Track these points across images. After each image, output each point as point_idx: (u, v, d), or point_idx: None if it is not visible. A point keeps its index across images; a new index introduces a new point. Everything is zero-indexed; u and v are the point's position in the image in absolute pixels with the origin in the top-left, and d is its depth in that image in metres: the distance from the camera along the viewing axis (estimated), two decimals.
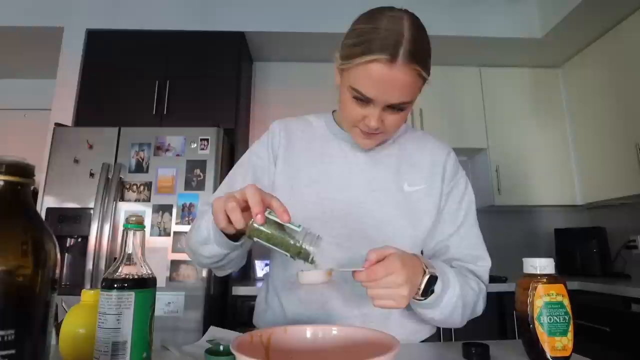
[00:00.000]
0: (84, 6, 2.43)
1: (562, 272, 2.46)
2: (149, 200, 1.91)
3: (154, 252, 1.83)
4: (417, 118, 2.64)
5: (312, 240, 0.55)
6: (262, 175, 0.84)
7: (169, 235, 1.87)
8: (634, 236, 2.41)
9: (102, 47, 2.38)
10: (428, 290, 0.64)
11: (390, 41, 0.63)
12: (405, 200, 0.80)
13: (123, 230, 0.56)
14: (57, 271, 0.40)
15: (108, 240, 1.84)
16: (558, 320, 0.61)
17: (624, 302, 1.79)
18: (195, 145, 1.98)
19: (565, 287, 0.63)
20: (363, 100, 0.68)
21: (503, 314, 2.07)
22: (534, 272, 0.64)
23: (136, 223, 0.55)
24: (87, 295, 0.61)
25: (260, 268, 2.46)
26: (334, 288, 0.76)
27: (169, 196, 1.91)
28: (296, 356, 0.52)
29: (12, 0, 2.41)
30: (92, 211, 1.87)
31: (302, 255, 0.55)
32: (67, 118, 2.22)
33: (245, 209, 0.56)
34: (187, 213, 1.89)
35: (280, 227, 0.56)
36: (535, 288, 0.63)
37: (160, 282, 1.77)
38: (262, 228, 0.55)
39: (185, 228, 1.88)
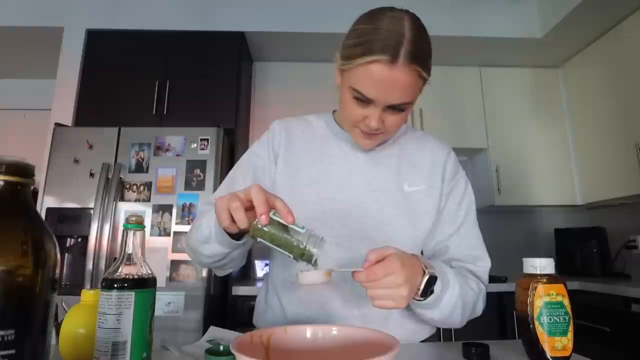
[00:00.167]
0: (84, 6, 2.43)
1: (562, 272, 2.46)
2: (149, 200, 1.91)
3: (154, 252, 1.83)
4: (417, 118, 2.64)
5: (316, 242, 0.55)
6: (262, 175, 0.84)
7: (169, 235, 1.87)
8: (634, 236, 2.41)
9: (102, 47, 2.38)
10: (427, 291, 0.64)
11: (391, 42, 0.63)
12: (406, 201, 0.80)
13: (123, 230, 0.56)
14: (57, 271, 0.40)
15: (108, 240, 1.84)
16: (558, 320, 0.61)
17: (624, 302, 1.79)
18: (195, 145, 1.98)
19: (565, 287, 0.63)
20: (364, 100, 0.68)
21: (503, 314, 2.07)
22: (534, 272, 0.64)
23: (136, 223, 0.55)
24: (87, 295, 0.61)
25: (260, 268, 2.46)
26: (334, 288, 0.76)
27: (169, 196, 1.91)
28: (296, 356, 0.52)
29: (12, 0, 2.41)
30: (92, 211, 1.87)
31: (305, 257, 0.55)
32: (67, 118, 2.22)
33: (249, 208, 0.56)
34: (187, 213, 1.89)
35: (284, 228, 0.55)
36: (535, 288, 0.63)
37: (160, 282, 1.77)
38: (266, 229, 0.55)
39: (185, 228, 1.88)
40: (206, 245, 0.69)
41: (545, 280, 0.63)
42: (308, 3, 2.51)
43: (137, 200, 1.92)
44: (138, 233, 0.55)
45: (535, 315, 0.62)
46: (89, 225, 1.84)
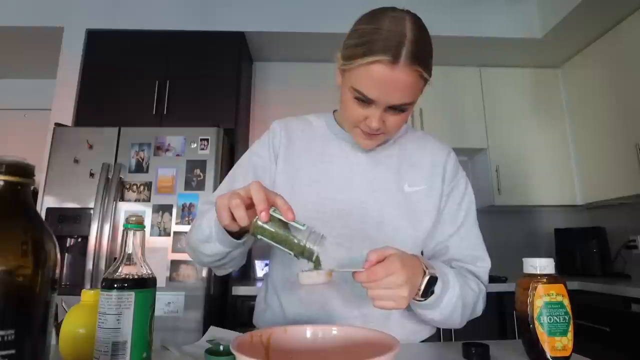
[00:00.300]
0: (84, 6, 2.43)
1: (562, 272, 2.46)
2: (149, 200, 1.91)
3: (154, 252, 1.83)
4: (417, 118, 2.64)
5: (316, 239, 0.55)
6: (262, 175, 0.84)
7: (169, 235, 1.87)
8: (634, 236, 2.41)
9: (102, 47, 2.38)
10: (428, 291, 0.64)
11: (393, 42, 0.63)
12: (406, 201, 0.80)
13: (123, 230, 0.56)
14: (57, 271, 0.40)
15: (108, 240, 1.84)
16: (558, 320, 0.61)
17: (624, 302, 1.79)
18: (195, 145, 1.98)
19: (565, 287, 0.63)
20: (364, 101, 0.68)
21: (503, 314, 2.07)
22: (534, 272, 0.64)
23: (136, 223, 0.55)
24: (87, 295, 0.61)
25: (260, 268, 2.46)
26: (334, 288, 0.76)
27: (169, 196, 1.91)
28: (296, 356, 0.52)
29: (12, 0, 2.41)
30: (92, 211, 1.87)
31: (305, 254, 0.55)
32: (67, 118, 2.22)
33: (250, 206, 0.56)
34: (187, 213, 1.89)
35: (285, 225, 0.55)
36: (535, 288, 0.63)
37: (160, 282, 1.77)
38: (266, 226, 0.55)
39: (185, 228, 1.88)
40: (207, 245, 0.69)
41: (545, 280, 0.63)
42: (308, 3, 2.51)
43: (137, 200, 1.92)
44: (138, 233, 0.55)
45: (535, 315, 0.62)
46: (89, 225, 1.84)
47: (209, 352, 0.59)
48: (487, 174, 2.66)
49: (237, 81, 2.35)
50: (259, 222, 0.55)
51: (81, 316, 0.59)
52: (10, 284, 0.35)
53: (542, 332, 0.61)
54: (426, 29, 0.68)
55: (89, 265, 1.81)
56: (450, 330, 1.96)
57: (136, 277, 0.53)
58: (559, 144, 2.71)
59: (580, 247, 2.48)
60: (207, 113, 2.25)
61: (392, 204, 0.79)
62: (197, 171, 1.94)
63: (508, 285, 2.09)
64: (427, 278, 0.63)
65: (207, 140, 1.99)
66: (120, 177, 1.92)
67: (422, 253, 0.84)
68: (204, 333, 0.87)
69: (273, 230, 0.55)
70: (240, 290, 1.98)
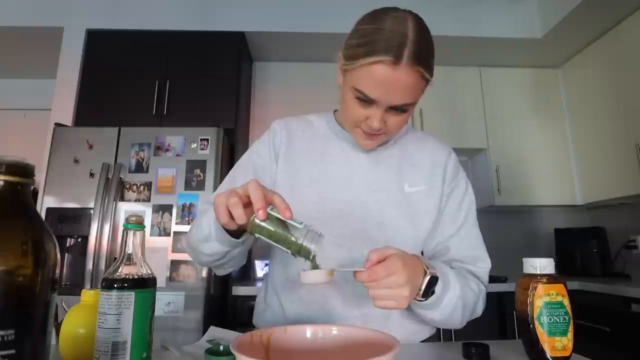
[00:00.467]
0: (84, 6, 2.43)
1: (562, 272, 2.46)
2: (149, 200, 1.91)
3: (154, 252, 1.83)
4: (417, 118, 2.64)
5: (314, 237, 0.55)
6: (263, 174, 0.84)
7: (169, 235, 1.87)
8: (634, 236, 2.41)
9: (102, 47, 2.38)
10: (429, 291, 0.64)
11: (394, 42, 0.63)
12: (406, 201, 0.80)
13: (123, 230, 0.56)
14: (57, 271, 0.40)
15: (108, 240, 1.84)
16: (558, 320, 0.61)
17: (624, 302, 1.79)
18: (195, 145, 1.98)
19: (565, 287, 0.63)
20: (366, 101, 0.68)
21: (503, 314, 2.07)
22: (534, 272, 0.64)
23: (136, 223, 0.55)
24: (87, 295, 0.61)
25: (260, 268, 2.46)
26: (334, 288, 0.76)
27: (169, 196, 1.91)
28: (296, 356, 0.52)
29: (12, 0, 2.41)
30: (92, 211, 1.87)
31: (302, 252, 0.55)
32: (67, 118, 2.22)
33: (247, 204, 0.56)
34: (187, 213, 1.89)
35: (282, 223, 0.55)
36: (535, 288, 0.63)
37: (160, 282, 1.77)
38: (263, 224, 0.55)
39: (185, 228, 1.88)
40: (206, 244, 0.69)
41: (545, 280, 0.63)
42: (308, 3, 2.51)
43: (137, 200, 1.92)
44: (138, 233, 0.55)
45: (535, 315, 0.62)
46: (89, 225, 1.84)
47: (209, 352, 0.59)
48: (487, 174, 2.66)
49: (237, 81, 2.35)
50: (257, 221, 0.55)
51: (81, 316, 0.59)
52: (10, 284, 0.35)
53: (542, 332, 0.61)
54: (428, 30, 0.68)
55: (89, 265, 1.81)
56: (450, 330, 1.96)
57: (136, 277, 0.53)
58: (559, 144, 2.71)
59: (580, 247, 2.48)
60: (207, 113, 2.25)
61: (393, 204, 0.79)
62: (197, 171, 1.94)
63: (508, 285, 2.09)
64: (427, 278, 0.63)
65: (207, 140, 1.99)
66: (120, 177, 1.93)
67: (422, 253, 0.84)
68: (204, 333, 0.87)
69: (271, 228, 0.55)
70: (240, 290, 1.98)
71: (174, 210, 1.90)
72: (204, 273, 1.85)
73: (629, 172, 2.20)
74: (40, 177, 1.94)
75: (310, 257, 0.55)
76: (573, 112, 2.70)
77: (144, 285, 0.53)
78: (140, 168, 1.95)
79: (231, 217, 0.57)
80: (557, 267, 0.66)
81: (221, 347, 0.59)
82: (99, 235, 1.84)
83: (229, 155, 2.25)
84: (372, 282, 0.57)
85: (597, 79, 2.47)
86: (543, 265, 0.64)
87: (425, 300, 0.65)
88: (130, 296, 0.51)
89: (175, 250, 1.86)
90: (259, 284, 2.10)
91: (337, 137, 0.85)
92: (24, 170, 0.39)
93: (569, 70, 2.75)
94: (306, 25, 2.48)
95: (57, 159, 1.97)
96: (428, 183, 0.82)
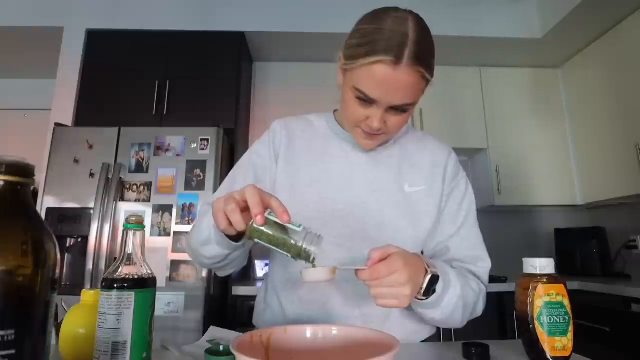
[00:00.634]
0: (84, 6, 2.43)
1: (562, 272, 2.46)
2: (149, 200, 1.91)
3: (154, 252, 1.83)
4: (417, 118, 2.64)
5: (313, 240, 0.55)
6: (263, 175, 0.84)
7: (169, 235, 1.87)
8: (634, 236, 2.41)
9: (102, 47, 2.38)
10: (430, 290, 0.64)
11: (395, 42, 0.63)
12: (406, 201, 0.80)
13: (123, 230, 0.56)
14: (57, 271, 0.40)
15: (108, 240, 1.84)
16: (558, 320, 0.61)
17: (624, 302, 1.79)
18: (195, 145, 1.98)
19: (565, 287, 0.63)
20: (366, 100, 0.68)
21: (503, 314, 2.07)
22: (534, 272, 0.64)
23: (136, 223, 0.55)
24: (87, 295, 0.61)
25: (260, 268, 2.46)
26: (335, 288, 0.76)
27: (169, 196, 1.91)
28: (296, 356, 0.52)
29: (12, 0, 2.41)
30: (92, 211, 1.87)
31: (302, 255, 0.55)
32: (67, 118, 2.22)
33: (245, 209, 0.56)
34: (187, 213, 1.89)
35: (281, 227, 0.55)
36: (535, 288, 0.63)
37: (160, 282, 1.77)
38: (262, 229, 0.55)
39: (185, 228, 1.88)
40: (206, 247, 0.69)
41: (545, 280, 0.63)
42: (308, 3, 2.51)
43: (137, 200, 1.92)
44: (138, 233, 0.55)
45: (535, 315, 0.62)
46: (89, 225, 1.84)
47: (209, 352, 0.59)
48: (487, 174, 2.66)
49: (237, 81, 2.35)
50: (255, 226, 0.55)
51: (81, 316, 0.59)
52: (10, 284, 0.35)
53: (542, 332, 0.61)
54: (429, 30, 0.68)
55: (89, 265, 1.81)
56: (450, 330, 1.96)
57: (136, 277, 0.53)
58: (559, 144, 2.71)
59: (580, 247, 2.48)
60: (207, 113, 2.25)
61: (393, 204, 0.79)
62: (197, 171, 1.94)
63: (508, 285, 2.09)
64: (429, 277, 0.63)
65: (207, 140, 1.99)
66: (120, 177, 1.92)
67: (422, 253, 0.84)
68: (204, 333, 0.87)
69: (269, 233, 0.55)
70: (240, 290, 1.98)
71: (174, 210, 1.90)
72: (204, 273, 1.85)
73: (629, 172, 2.20)
74: (40, 177, 1.94)
75: (310, 259, 0.55)
76: (573, 112, 2.70)
77: (144, 285, 0.53)
78: (140, 168, 1.95)
79: (230, 223, 0.57)
80: (557, 267, 0.66)
81: (221, 347, 0.59)
82: (99, 235, 1.84)
83: (229, 155, 2.25)
84: (374, 280, 0.57)
85: (597, 79, 2.47)
86: (543, 265, 0.64)
87: (427, 299, 0.65)
88: (130, 296, 0.51)
89: (175, 250, 1.86)
90: (259, 284, 2.10)
91: (337, 137, 0.85)
92: (24, 170, 0.39)
93: (569, 70, 2.75)
94: (306, 25, 2.48)
95: (57, 159, 1.97)
96: (428, 183, 0.82)
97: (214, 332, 0.76)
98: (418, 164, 0.84)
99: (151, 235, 1.86)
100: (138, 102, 2.26)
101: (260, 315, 0.86)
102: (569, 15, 2.26)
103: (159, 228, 1.88)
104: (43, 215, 1.87)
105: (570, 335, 0.61)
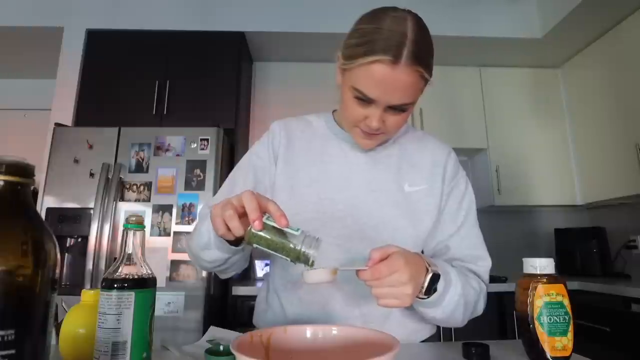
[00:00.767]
0: (84, 6, 2.43)
1: (562, 272, 2.46)
2: (149, 200, 1.91)
3: (154, 252, 1.83)
4: (417, 118, 2.64)
5: (312, 243, 0.55)
6: (262, 176, 0.84)
7: (169, 235, 1.87)
8: (634, 236, 2.41)
9: (102, 47, 2.38)
10: (431, 289, 0.64)
11: (393, 42, 0.63)
12: (406, 201, 0.80)
13: (123, 230, 0.56)
14: (57, 271, 0.40)
15: (108, 240, 1.84)
16: (558, 320, 0.61)
17: (624, 302, 1.79)
18: (195, 145, 1.98)
19: (565, 287, 0.63)
20: (365, 100, 0.68)
21: (503, 314, 2.07)
22: (534, 272, 0.64)
23: (136, 223, 0.55)
24: (87, 295, 0.61)
25: (260, 268, 2.46)
26: (335, 288, 0.76)
27: (169, 196, 1.91)
28: (296, 356, 0.52)
29: (12, 0, 2.41)
30: (92, 211, 1.87)
31: (301, 259, 0.55)
32: (67, 118, 2.22)
33: (243, 215, 0.56)
34: (187, 213, 1.89)
35: (279, 231, 0.55)
36: (535, 288, 0.63)
37: (160, 282, 1.77)
38: (260, 234, 0.55)
39: (185, 228, 1.88)
40: (206, 251, 0.70)
41: (545, 280, 0.63)
42: (308, 3, 2.51)
43: (137, 200, 1.92)
44: (138, 233, 0.55)
45: (535, 315, 0.62)
46: (89, 225, 1.84)
47: (209, 352, 0.59)
48: (487, 174, 2.66)
49: (237, 81, 2.35)
50: (253, 231, 0.55)
51: (81, 316, 0.59)
52: (10, 284, 0.35)
53: (542, 332, 0.61)
54: (427, 29, 0.68)
55: (89, 265, 1.81)
56: (451, 330, 1.96)
57: (136, 277, 0.53)
58: (559, 144, 2.71)
59: (580, 247, 2.48)
60: (207, 113, 2.25)
61: (392, 203, 0.79)
62: (197, 171, 1.94)
63: (508, 285, 2.09)
64: (430, 275, 0.63)
65: (207, 140, 1.99)
66: (120, 177, 1.92)
67: (422, 252, 0.84)
68: (204, 333, 0.87)
69: (268, 237, 0.55)
70: (240, 290, 1.98)
71: (174, 210, 1.90)
72: (204, 273, 1.85)
73: (629, 172, 2.20)
74: (40, 177, 1.94)
75: (310, 262, 0.55)
76: (573, 112, 2.70)
77: (144, 285, 0.53)
78: (140, 168, 1.95)
79: (228, 228, 0.57)
80: (557, 267, 0.66)
81: (221, 347, 0.59)
82: (99, 235, 1.84)
83: (229, 156, 2.25)
84: (375, 280, 0.57)
85: (597, 79, 2.47)
86: (543, 265, 0.64)
87: (428, 298, 0.65)
88: (130, 296, 0.51)
89: (175, 250, 1.86)
90: (259, 284, 2.10)
91: (336, 137, 0.85)
92: (24, 170, 0.39)
93: (569, 70, 2.75)
94: (306, 25, 2.48)
95: (57, 159, 1.97)
96: (428, 182, 0.82)
97: (214, 332, 0.76)
98: (418, 164, 0.84)
99: (151, 235, 1.86)
100: (138, 102, 2.26)
101: (261, 315, 0.86)
102: (569, 15, 2.26)
103: (159, 228, 1.88)
104: (43, 215, 1.87)
105: (570, 335, 0.61)
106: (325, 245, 0.59)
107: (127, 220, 0.55)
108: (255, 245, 0.57)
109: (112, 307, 0.51)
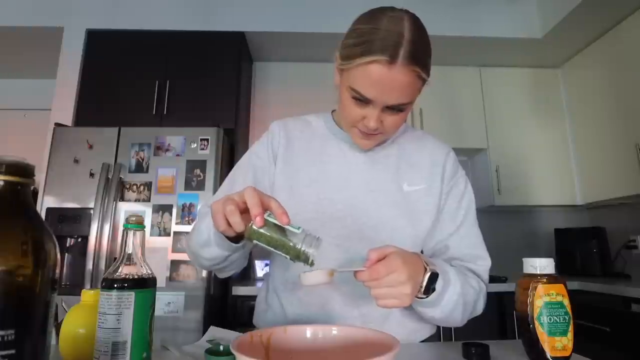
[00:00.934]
0: (84, 6, 2.43)
1: (562, 272, 2.46)
2: (149, 200, 1.91)
3: (154, 252, 1.83)
4: (417, 118, 2.64)
5: (312, 242, 0.55)
6: (262, 176, 0.84)
7: (169, 235, 1.87)
8: (634, 236, 2.41)
9: (102, 47, 2.38)
10: (429, 288, 0.64)
11: (390, 42, 0.63)
12: (405, 200, 0.80)
13: (123, 230, 0.56)
14: (57, 271, 0.40)
15: (108, 240, 1.84)
16: (558, 320, 0.61)
17: (624, 302, 1.79)
18: (195, 145, 1.98)
19: (565, 287, 0.63)
20: (362, 100, 0.68)
21: (503, 314, 2.07)
22: (534, 272, 0.64)
23: (136, 223, 0.55)
24: (87, 295, 0.61)
25: (260, 268, 2.46)
26: (334, 288, 0.76)
27: (169, 196, 1.91)
28: (296, 356, 0.52)
29: (12, 0, 2.41)
30: (92, 211, 1.87)
31: (301, 257, 0.55)
32: (67, 118, 2.22)
33: (244, 211, 0.56)
34: (187, 213, 1.89)
35: (280, 229, 0.55)
36: (535, 288, 0.63)
37: (160, 282, 1.77)
38: (261, 231, 0.55)
39: (185, 228, 1.88)
40: (206, 249, 0.69)
41: (545, 280, 0.63)
42: (308, 3, 2.51)
43: (137, 200, 1.92)
44: (138, 233, 0.55)
45: (535, 315, 0.62)
46: (89, 225, 1.84)
47: (209, 352, 0.59)
48: (487, 174, 2.66)
49: (237, 81, 2.35)
50: (254, 228, 0.55)
51: (81, 316, 0.59)
52: (10, 284, 0.35)
53: (542, 332, 0.61)
54: (425, 29, 0.68)
55: (89, 265, 1.81)
56: (450, 330, 1.96)
57: (136, 277, 0.53)
58: (559, 144, 2.71)
59: (580, 247, 2.48)
60: (207, 113, 2.25)
61: (391, 203, 0.79)
62: (197, 171, 1.94)
63: (508, 285, 2.09)
64: (428, 275, 0.63)
65: (207, 140, 1.99)
66: (120, 177, 1.92)
67: (421, 252, 0.84)
68: (204, 333, 0.87)
69: (268, 234, 0.55)
70: (240, 290, 1.98)
71: (174, 210, 1.90)
72: (204, 273, 1.85)
73: (629, 172, 2.20)
74: (40, 177, 1.94)
75: (309, 261, 0.55)
76: (573, 112, 2.70)
77: (144, 285, 0.53)
78: (140, 168, 1.95)
79: (229, 224, 0.57)
80: (557, 267, 0.66)
81: (221, 347, 0.59)
82: (99, 235, 1.84)
83: (229, 155, 2.25)
84: (373, 281, 0.57)
85: (597, 79, 2.47)
86: (543, 265, 0.64)
87: (427, 297, 0.65)
88: (130, 296, 0.51)
89: (175, 250, 1.86)
90: (259, 284, 2.10)
91: (335, 137, 0.85)
92: (24, 170, 0.39)
93: (569, 70, 2.75)
94: (306, 25, 2.48)
95: (57, 159, 1.97)
96: (428, 182, 0.82)
97: (214, 332, 0.76)
98: (417, 163, 0.84)
99: (151, 235, 1.86)
100: (138, 102, 2.26)
101: (261, 315, 0.86)
102: (569, 15, 2.26)
103: (159, 228, 1.88)
104: (43, 215, 1.87)
105: (570, 335, 0.61)
106: (325, 245, 0.59)
107: (127, 220, 0.55)
108: (255, 242, 0.56)
109: (112, 307, 0.51)
